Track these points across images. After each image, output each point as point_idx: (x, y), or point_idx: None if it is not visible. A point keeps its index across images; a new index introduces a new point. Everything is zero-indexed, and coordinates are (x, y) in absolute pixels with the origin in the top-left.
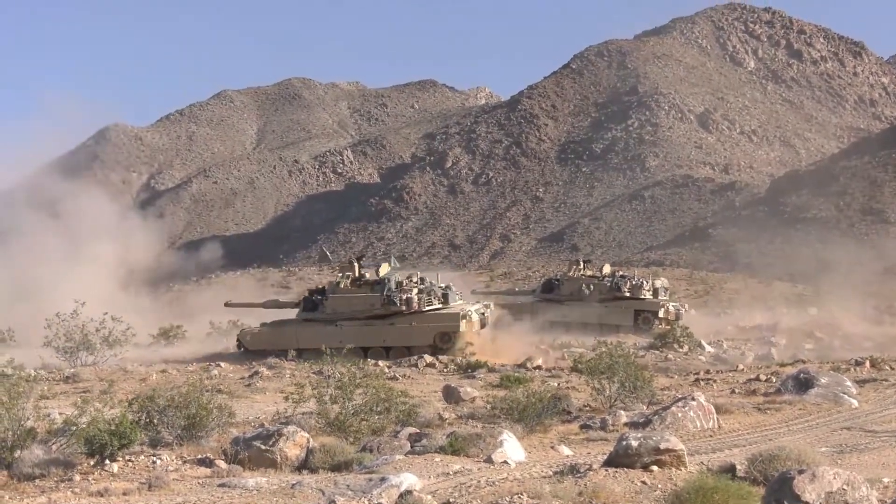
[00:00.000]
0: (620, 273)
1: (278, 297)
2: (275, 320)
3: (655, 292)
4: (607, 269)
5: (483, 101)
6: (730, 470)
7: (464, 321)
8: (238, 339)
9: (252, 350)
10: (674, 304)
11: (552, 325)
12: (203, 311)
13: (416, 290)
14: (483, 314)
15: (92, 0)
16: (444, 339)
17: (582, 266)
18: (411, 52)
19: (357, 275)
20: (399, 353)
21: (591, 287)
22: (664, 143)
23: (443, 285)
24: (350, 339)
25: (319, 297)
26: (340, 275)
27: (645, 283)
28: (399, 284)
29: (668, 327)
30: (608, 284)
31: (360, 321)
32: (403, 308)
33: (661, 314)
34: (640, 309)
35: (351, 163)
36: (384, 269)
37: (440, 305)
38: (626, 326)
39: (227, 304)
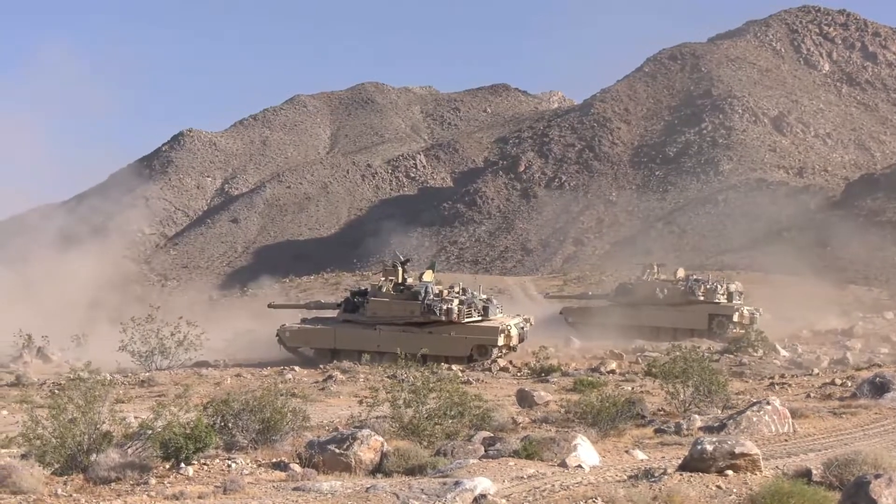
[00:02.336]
0: (694, 277)
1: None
2: (315, 317)
3: (730, 296)
4: (681, 272)
5: (556, 106)
6: (805, 474)
7: (502, 335)
8: (278, 335)
9: (290, 347)
10: (748, 307)
11: (626, 329)
12: (277, 314)
13: (456, 301)
14: (522, 328)
15: (168, 8)
16: (481, 351)
17: (656, 270)
18: (484, 56)
19: (400, 280)
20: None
21: (665, 291)
22: (738, 147)
23: (483, 297)
24: (387, 345)
25: (361, 300)
26: (383, 278)
27: (719, 286)
28: (440, 294)
29: (743, 331)
30: (682, 288)
31: (398, 327)
32: (443, 318)
33: (735, 318)
34: (715, 313)
35: (424, 167)
36: (428, 276)
37: (480, 318)
38: (700, 330)
39: (270, 306)
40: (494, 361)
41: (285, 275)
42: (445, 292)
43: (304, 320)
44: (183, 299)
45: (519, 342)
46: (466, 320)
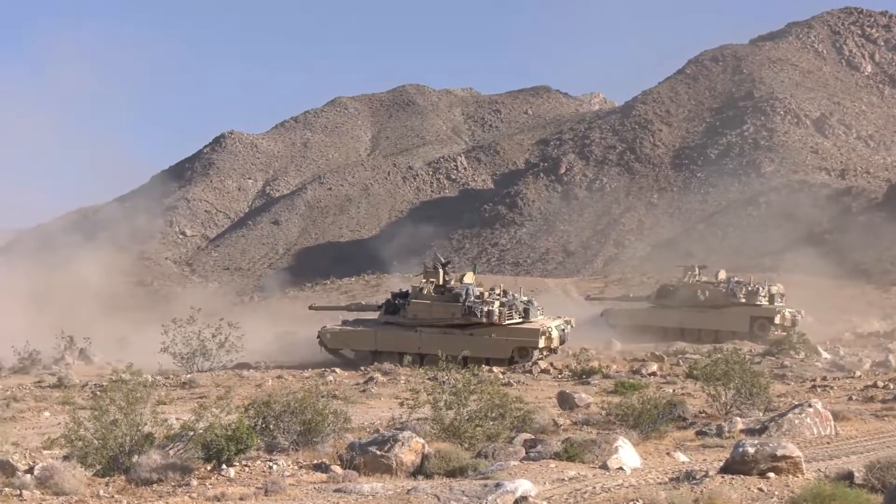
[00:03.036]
0: (736, 279)
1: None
2: (356, 319)
3: (771, 298)
4: (723, 274)
5: (597, 107)
6: (847, 477)
7: (543, 337)
8: (319, 337)
9: (331, 348)
10: (790, 309)
11: (667, 331)
12: (319, 316)
13: (497, 303)
14: (563, 330)
15: (210, 10)
16: (522, 353)
17: (697, 272)
18: (524, 58)
19: (441, 282)
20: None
21: (707, 293)
22: (780, 149)
23: (524, 299)
24: (428, 346)
25: (401, 302)
26: (424, 280)
27: (761, 288)
28: (481, 296)
29: (785, 333)
30: (723, 290)
31: (439, 329)
32: (484, 320)
33: (777, 320)
34: (756, 315)
35: (465, 169)
36: (469, 278)
37: (521, 320)
38: (741, 332)
39: (311, 307)
40: (535, 363)
41: (326, 276)
42: (486, 294)
43: (345, 322)
44: (199, 300)
45: (560, 344)
46: (507, 322)
